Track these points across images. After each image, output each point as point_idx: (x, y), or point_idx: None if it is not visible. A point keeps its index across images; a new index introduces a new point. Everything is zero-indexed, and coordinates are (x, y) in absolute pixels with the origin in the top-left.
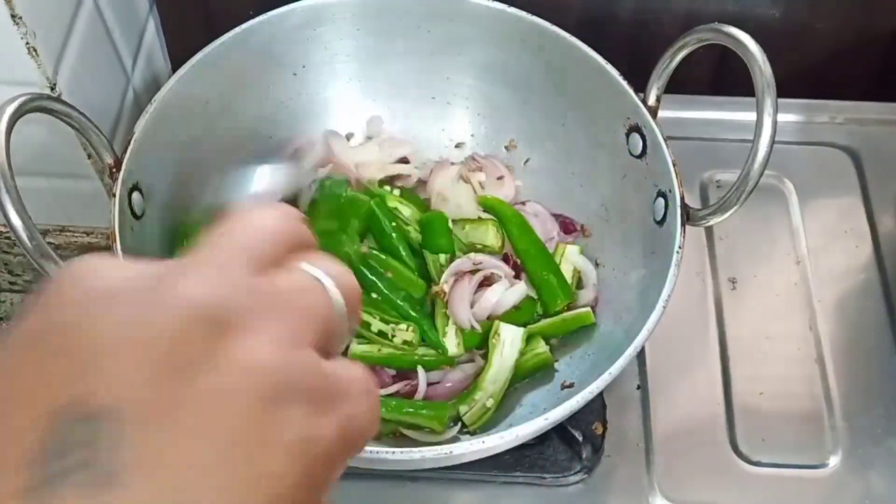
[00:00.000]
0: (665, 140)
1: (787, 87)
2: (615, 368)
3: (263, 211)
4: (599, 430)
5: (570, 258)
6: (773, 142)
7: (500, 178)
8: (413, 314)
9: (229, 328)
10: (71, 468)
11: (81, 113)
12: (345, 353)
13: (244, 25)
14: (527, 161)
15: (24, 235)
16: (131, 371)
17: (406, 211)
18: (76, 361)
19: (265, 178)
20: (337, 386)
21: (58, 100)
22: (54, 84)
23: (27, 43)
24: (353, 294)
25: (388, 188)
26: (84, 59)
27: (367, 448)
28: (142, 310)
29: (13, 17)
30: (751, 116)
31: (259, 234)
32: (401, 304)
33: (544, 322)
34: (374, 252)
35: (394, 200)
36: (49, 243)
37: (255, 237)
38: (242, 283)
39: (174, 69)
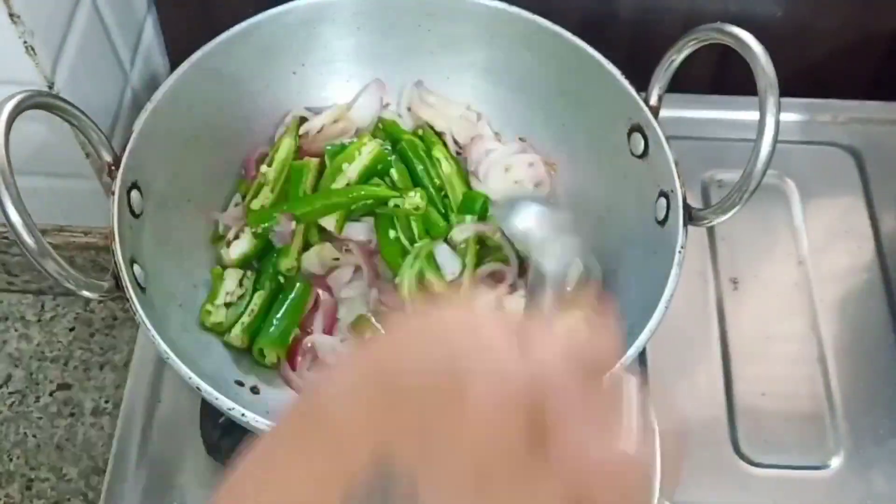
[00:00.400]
0: (667, 140)
1: (789, 87)
2: (616, 368)
3: (607, 330)
4: None
5: None
6: (775, 141)
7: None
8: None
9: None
10: None
11: (80, 110)
12: None
13: (244, 24)
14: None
15: (24, 233)
16: (445, 454)
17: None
18: (404, 422)
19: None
20: None
21: (57, 97)
22: (52, 83)
23: (25, 42)
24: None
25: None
26: (82, 58)
27: None
28: (485, 407)
29: (11, 16)
30: (752, 115)
31: (600, 362)
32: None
33: None
34: None
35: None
36: (47, 243)
37: (596, 363)
38: (581, 422)
39: (173, 68)
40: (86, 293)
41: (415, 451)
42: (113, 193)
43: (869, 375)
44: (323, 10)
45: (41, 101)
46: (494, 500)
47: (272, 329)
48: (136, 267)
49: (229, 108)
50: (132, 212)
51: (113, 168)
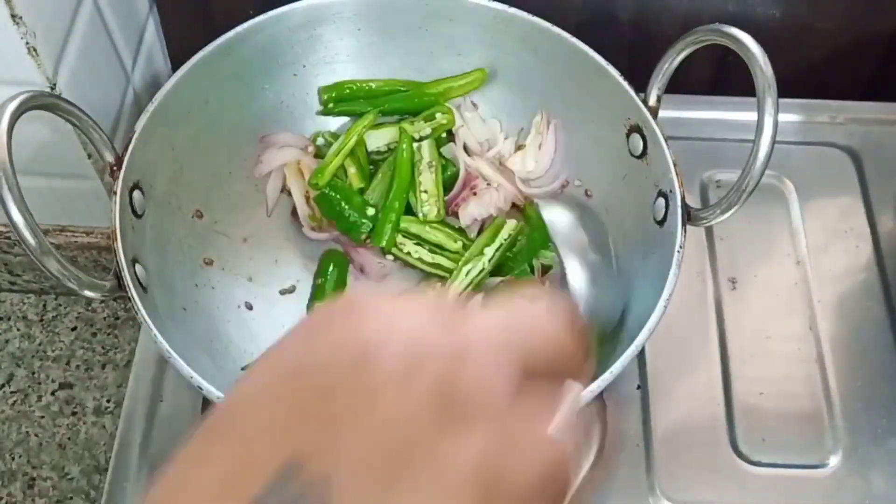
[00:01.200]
0: (666, 140)
1: (787, 87)
2: (616, 368)
3: (549, 313)
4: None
5: None
6: (773, 142)
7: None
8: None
9: (464, 430)
10: None
11: (82, 110)
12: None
13: (244, 25)
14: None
15: (26, 233)
16: (357, 447)
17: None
18: (314, 421)
19: None
20: None
21: (59, 97)
22: (54, 84)
23: (27, 43)
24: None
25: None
26: (84, 59)
27: None
28: (396, 389)
29: (13, 16)
30: (750, 116)
31: (537, 345)
32: None
33: None
34: None
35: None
36: (49, 243)
37: (533, 346)
38: (506, 402)
39: (174, 68)
40: (88, 293)
41: (327, 452)
42: (115, 193)
43: (867, 375)
44: (324, 11)
45: (44, 102)
46: (410, 486)
47: None
48: (137, 266)
49: (230, 109)
50: (134, 212)
51: (115, 168)
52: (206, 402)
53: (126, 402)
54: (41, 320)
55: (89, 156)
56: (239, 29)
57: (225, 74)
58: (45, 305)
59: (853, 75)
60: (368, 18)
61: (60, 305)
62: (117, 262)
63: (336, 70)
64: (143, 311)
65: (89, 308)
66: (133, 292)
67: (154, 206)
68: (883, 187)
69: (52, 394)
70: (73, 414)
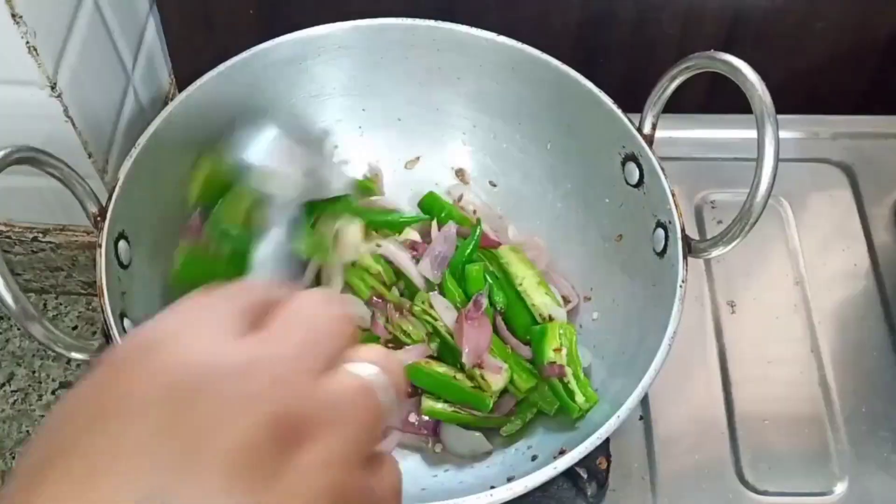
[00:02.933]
0: (662, 169)
1: (779, 102)
2: (622, 411)
3: (321, 304)
4: (604, 465)
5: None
6: (775, 172)
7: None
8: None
9: (297, 440)
10: None
11: (65, 163)
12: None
13: (229, 62)
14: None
15: (7, 297)
16: (207, 477)
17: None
18: (165, 455)
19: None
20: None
21: (41, 151)
22: (55, 83)
23: (27, 42)
24: (399, 380)
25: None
26: (84, 59)
27: None
28: (223, 411)
29: (13, 16)
30: (743, 134)
31: (319, 335)
32: None
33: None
34: None
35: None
36: (49, 242)
37: (316, 337)
38: (309, 392)
39: (174, 67)
40: (75, 355)
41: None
42: (99, 247)
43: (872, 397)
44: (308, 44)
45: (24, 157)
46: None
47: None
48: (126, 322)
49: (217, 148)
50: (120, 263)
51: (99, 219)
52: None
53: None
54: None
55: (89, 155)
56: (223, 66)
57: (209, 114)
58: (45, 304)
59: (846, 89)
60: (354, 51)
61: (61, 304)
62: (105, 320)
63: (324, 103)
64: None
65: (90, 307)
66: None
67: (141, 256)
68: (878, 202)
69: (53, 393)
70: None
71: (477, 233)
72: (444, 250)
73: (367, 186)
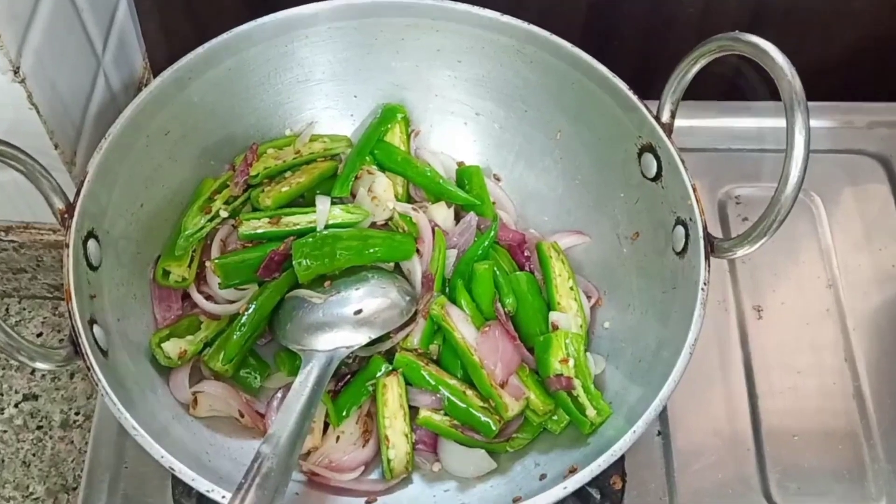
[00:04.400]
0: (682, 161)
1: (809, 87)
2: (639, 425)
3: None
4: (618, 485)
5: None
6: (806, 164)
7: None
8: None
9: None
10: None
11: (30, 156)
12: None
13: (208, 45)
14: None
15: None
16: None
17: None
18: None
19: None
20: None
21: (2, 142)
22: (18, 67)
23: None
24: None
25: None
26: (50, 41)
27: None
28: None
29: None
30: (772, 123)
31: None
32: None
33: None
34: None
35: None
36: (12, 241)
37: None
38: None
39: (149, 50)
40: (41, 365)
41: None
42: (67, 246)
43: None
44: (295, 24)
45: None
46: None
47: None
48: (95, 328)
49: (194, 136)
50: (90, 264)
51: (66, 216)
52: None
53: (96, 414)
54: None
55: (56, 146)
56: (201, 49)
57: (187, 101)
58: (7, 309)
59: (884, 73)
60: (344, 31)
61: (24, 310)
62: (73, 326)
63: (311, 88)
64: (104, 382)
65: (56, 313)
66: (92, 360)
67: (111, 256)
68: None
69: (16, 406)
70: (39, 428)
71: (492, 228)
72: (461, 242)
73: (398, 111)
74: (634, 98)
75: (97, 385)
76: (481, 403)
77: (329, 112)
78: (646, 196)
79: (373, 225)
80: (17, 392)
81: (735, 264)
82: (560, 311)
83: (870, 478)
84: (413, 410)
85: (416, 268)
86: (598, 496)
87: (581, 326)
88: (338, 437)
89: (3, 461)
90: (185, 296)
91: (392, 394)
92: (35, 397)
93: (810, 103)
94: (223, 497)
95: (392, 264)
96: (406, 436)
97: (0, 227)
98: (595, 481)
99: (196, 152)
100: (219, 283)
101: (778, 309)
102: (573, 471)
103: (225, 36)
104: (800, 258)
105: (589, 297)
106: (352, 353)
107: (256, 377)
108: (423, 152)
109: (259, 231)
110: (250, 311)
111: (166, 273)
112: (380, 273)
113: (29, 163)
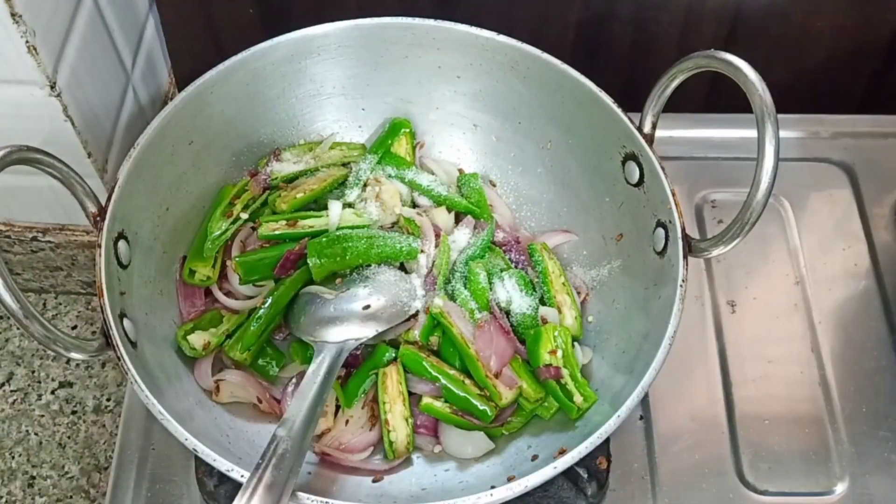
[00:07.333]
0: (663, 169)
1: (780, 102)
2: (623, 411)
3: None
4: (604, 465)
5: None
6: (775, 171)
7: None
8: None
9: None
10: None
11: (64, 163)
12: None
13: (228, 62)
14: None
15: (7, 297)
16: None
17: None
18: None
19: None
20: None
21: (40, 151)
22: (54, 82)
23: (27, 41)
24: None
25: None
26: (84, 58)
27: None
28: None
29: (13, 15)
30: (744, 133)
31: None
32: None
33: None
34: None
35: None
36: (49, 242)
37: None
38: None
39: (174, 66)
40: (75, 355)
41: None
42: (99, 246)
43: (872, 397)
44: (308, 43)
45: (23, 157)
46: None
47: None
48: (126, 321)
49: (216, 146)
50: (120, 263)
51: (98, 219)
52: None
53: (126, 400)
54: None
55: (89, 154)
56: (222, 66)
57: (208, 113)
58: (45, 304)
59: (846, 89)
60: (353, 50)
61: (61, 304)
62: (104, 319)
63: (322, 103)
64: (133, 372)
65: (89, 307)
66: (122, 351)
67: (140, 255)
68: (878, 202)
69: (52, 392)
70: (73, 413)
71: (488, 231)
72: (459, 243)
73: (404, 125)
74: (619, 111)
75: (127, 374)
76: (478, 392)
77: (340, 123)
78: (629, 200)
79: (380, 228)
80: (53, 380)
81: (711, 263)
82: (555, 306)
83: (834, 459)
84: (415, 398)
85: (419, 267)
86: (586, 475)
87: (576, 318)
88: (347, 421)
89: (41, 443)
90: (208, 292)
91: (391, 381)
92: (70, 385)
93: (780, 115)
94: (242, 476)
95: (398, 263)
96: (406, 419)
97: (38, 229)
98: (583, 462)
99: (217, 160)
100: (238, 280)
101: (750, 304)
102: (562, 452)
103: (243, 54)
104: (770, 257)
105: (578, 293)
106: (359, 344)
107: (273, 366)
108: (427, 160)
109: (277, 232)
110: (267, 304)
111: (192, 272)
112: (386, 272)
113: (64, 170)
